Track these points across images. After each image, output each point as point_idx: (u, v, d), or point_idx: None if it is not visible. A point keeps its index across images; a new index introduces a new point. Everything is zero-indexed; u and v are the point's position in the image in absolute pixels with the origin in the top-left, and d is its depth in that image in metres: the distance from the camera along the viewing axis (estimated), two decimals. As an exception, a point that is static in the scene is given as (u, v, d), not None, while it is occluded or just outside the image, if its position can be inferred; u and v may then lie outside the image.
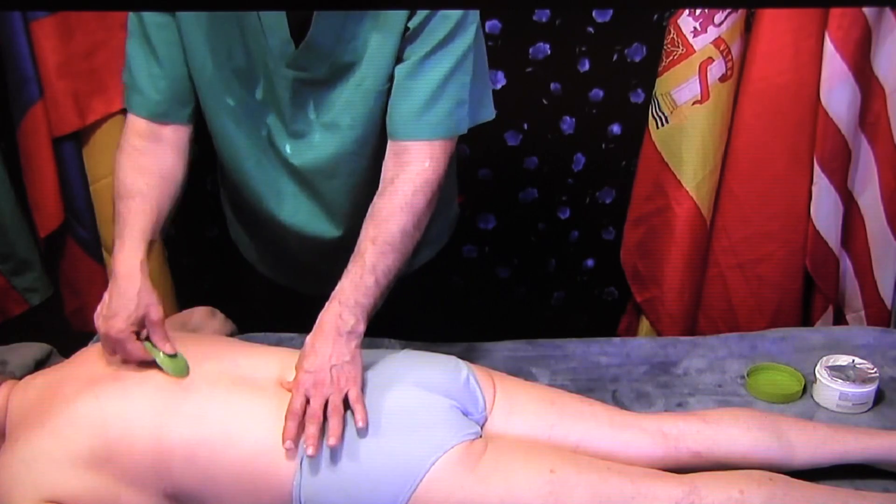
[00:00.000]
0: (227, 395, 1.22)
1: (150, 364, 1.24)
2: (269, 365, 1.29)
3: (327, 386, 1.19)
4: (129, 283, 1.24)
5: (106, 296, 1.25)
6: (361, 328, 1.24)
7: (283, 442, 1.16)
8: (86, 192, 2.00)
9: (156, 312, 1.24)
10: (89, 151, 1.96)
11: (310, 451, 1.15)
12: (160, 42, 1.31)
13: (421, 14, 1.25)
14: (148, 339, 1.25)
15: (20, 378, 1.36)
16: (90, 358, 1.33)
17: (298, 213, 1.45)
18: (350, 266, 1.26)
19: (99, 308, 1.26)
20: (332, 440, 1.16)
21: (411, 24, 1.26)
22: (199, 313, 1.57)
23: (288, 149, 1.38)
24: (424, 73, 1.28)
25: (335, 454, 1.16)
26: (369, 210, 1.30)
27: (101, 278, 2.07)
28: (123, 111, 1.89)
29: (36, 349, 1.57)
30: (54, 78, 1.85)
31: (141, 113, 1.36)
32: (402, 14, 1.25)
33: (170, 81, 1.34)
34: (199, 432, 1.18)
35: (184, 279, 2.12)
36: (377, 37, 1.27)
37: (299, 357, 1.25)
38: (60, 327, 2.10)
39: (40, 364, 1.54)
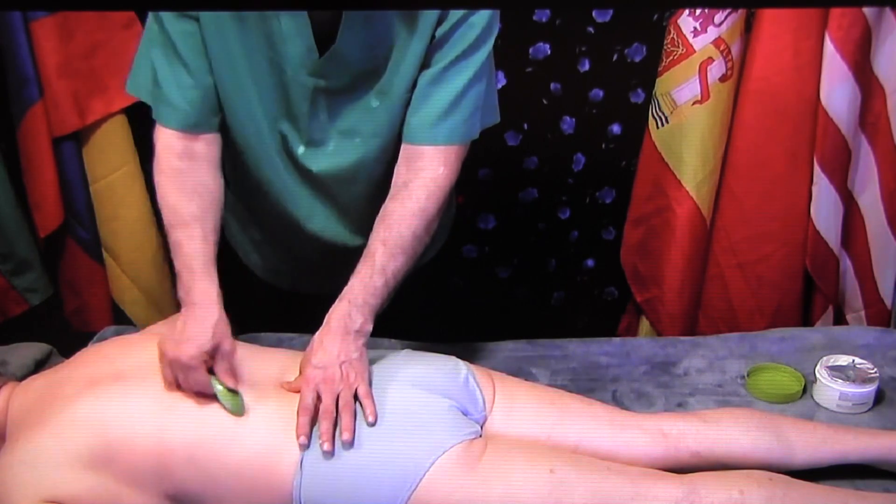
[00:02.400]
0: (227, 396, 1.22)
1: (151, 364, 1.24)
2: (269, 366, 1.30)
3: (337, 382, 1.20)
4: (208, 313, 1.22)
5: (179, 322, 1.23)
6: (368, 327, 1.25)
7: (298, 437, 1.16)
8: (86, 192, 1.99)
9: (229, 344, 1.23)
10: (89, 151, 1.96)
11: (325, 446, 1.15)
12: (187, 51, 1.27)
13: (449, 22, 1.25)
14: (211, 370, 1.22)
15: (20, 378, 1.36)
16: (90, 358, 1.33)
17: (314, 217, 1.44)
18: (360, 266, 1.27)
19: (167, 331, 1.24)
20: (346, 435, 1.16)
21: (438, 33, 1.26)
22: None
23: (306, 156, 1.37)
24: (447, 80, 1.28)
25: (335, 454, 1.17)
26: (381, 212, 1.30)
27: (100, 278, 2.07)
28: (123, 111, 1.92)
29: (36, 349, 1.57)
30: (54, 78, 1.85)
31: (173, 125, 1.30)
32: (430, 22, 1.25)
33: (200, 91, 1.30)
34: (199, 433, 1.18)
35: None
36: (404, 46, 1.27)
37: (306, 353, 1.25)
38: (60, 327, 2.09)
39: (40, 364, 1.54)
